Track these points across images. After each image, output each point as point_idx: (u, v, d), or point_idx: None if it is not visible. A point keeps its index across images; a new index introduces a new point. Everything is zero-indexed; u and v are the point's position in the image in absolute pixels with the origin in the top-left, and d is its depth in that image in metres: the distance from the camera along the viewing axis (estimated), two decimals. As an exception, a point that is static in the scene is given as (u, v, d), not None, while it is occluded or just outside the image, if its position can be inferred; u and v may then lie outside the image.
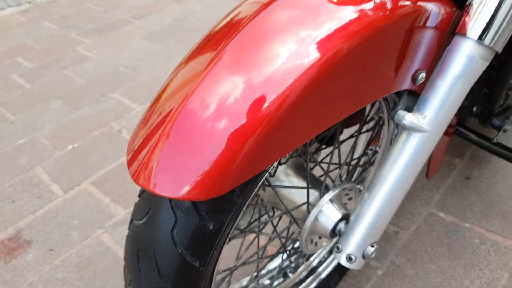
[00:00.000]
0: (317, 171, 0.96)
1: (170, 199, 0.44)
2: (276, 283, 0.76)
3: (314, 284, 0.79)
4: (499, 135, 0.96)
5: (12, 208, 1.18)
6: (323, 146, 0.74)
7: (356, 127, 0.75)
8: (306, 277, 0.79)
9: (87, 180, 1.22)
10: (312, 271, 0.80)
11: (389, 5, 0.47)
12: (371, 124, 0.76)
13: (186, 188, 0.38)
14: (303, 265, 0.80)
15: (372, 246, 0.60)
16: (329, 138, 0.75)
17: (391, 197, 0.58)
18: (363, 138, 0.81)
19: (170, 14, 2.30)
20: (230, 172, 0.38)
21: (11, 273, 0.98)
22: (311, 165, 0.78)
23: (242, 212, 0.47)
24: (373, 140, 0.77)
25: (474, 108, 0.95)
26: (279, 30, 0.44)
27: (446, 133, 0.78)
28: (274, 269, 0.78)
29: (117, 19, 2.34)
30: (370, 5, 0.46)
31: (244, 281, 0.75)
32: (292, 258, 0.80)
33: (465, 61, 0.52)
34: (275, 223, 0.75)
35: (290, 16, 0.45)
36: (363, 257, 0.60)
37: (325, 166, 1.03)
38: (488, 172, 1.07)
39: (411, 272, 0.87)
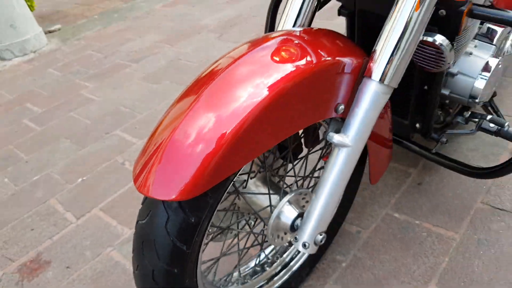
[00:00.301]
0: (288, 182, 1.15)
1: (163, 202, 0.63)
2: (255, 275, 0.94)
3: (287, 275, 0.97)
4: (438, 146, 1.16)
5: (32, 235, 1.36)
6: (285, 163, 0.94)
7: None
8: (280, 270, 0.97)
9: (97, 207, 1.41)
10: (286, 265, 0.98)
11: (315, 60, 0.68)
12: (322, 144, 0.96)
13: (173, 193, 0.57)
14: (278, 260, 0.98)
15: (321, 235, 0.79)
16: (292, 156, 0.95)
17: (331, 197, 0.77)
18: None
19: (164, 57, 2.55)
20: (202, 180, 0.58)
21: (36, 288, 1.16)
22: (277, 178, 0.97)
23: (216, 210, 0.66)
24: (326, 156, 0.97)
25: (417, 125, 1.15)
26: (241, 79, 0.64)
27: (385, 146, 0.97)
28: (254, 264, 0.96)
29: (116, 64, 2.59)
30: (303, 61, 0.67)
31: (230, 273, 0.93)
32: (269, 255, 0.98)
33: (371, 97, 0.72)
34: (252, 226, 0.93)
35: (249, 69, 0.66)
36: (315, 243, 0.79)
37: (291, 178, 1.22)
38: (436, 178, 1.26)
39: (370, 262, 1.05)
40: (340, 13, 1.03)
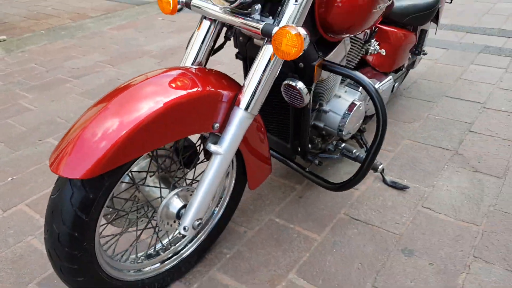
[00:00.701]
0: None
1: (70, 180, 0.86)
2: (150, 258, 1.17)
3: (177, 261, 1.20)
4: (311, 166, 1.48)
5: (-44, 226, 1.48)
6: (180, 167, 1.19)
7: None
8: (172, 256, 1.20)
9: (23, 203, 1.57)
10: (177, 253, 1.22)
11: (200, 89, 0.95)
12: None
13: (78, 173, 0.80)
14: (171, 248, 1.22)
15: (198, 221, 1.04)
16: (188, 163, 1.20)
17: (207, 191, 1.03)
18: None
19: (104, 76, 2.75)
20: (99, 165, 0.81)
21: (-45, 269, 1.29)
22: (174, 179, 1.21)
23: (112, 192, 0.90)
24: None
25: (299, 149, 1.46)
26: (142, 95, 0.90)
27: (261, 159, 1.25)
28: (151, 249, 1.19)
29: (57, 78, 2.74)
30: (191, 89, 0.94)
31: (126, 253, 1.14)
32: (164, 244, 1.21)
33: (238, 120, 1.01)
34: (150, 215, 1.16)
35: (150, 89, 0.92)
36: (193, 227, 1.04)
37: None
38: (314, 193, 1.57)
39: (248, 255, 1.31)
40: (236, 57, 1.33)
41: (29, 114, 2.28)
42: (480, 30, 3.31)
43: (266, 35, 0.95)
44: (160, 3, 1.10)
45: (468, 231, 1.36)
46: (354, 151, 1.45)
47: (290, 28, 0.88)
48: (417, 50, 1.91)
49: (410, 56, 1.95)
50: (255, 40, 1.23)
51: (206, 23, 1.12)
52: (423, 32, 1.87)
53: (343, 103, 1.43)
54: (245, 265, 1.28)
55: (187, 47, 1.18)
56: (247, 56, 1.28)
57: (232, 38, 1.23)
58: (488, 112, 2.07)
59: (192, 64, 1.13)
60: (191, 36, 1.16)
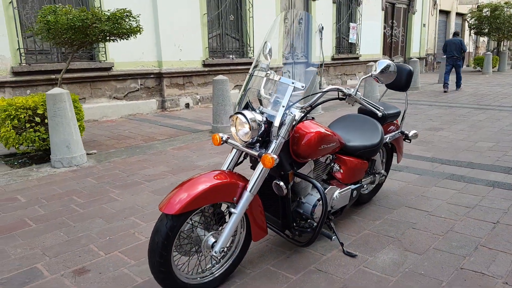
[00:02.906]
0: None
1: (166, 215, 1.87)
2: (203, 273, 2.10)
3: (212, 277, 2.11)
4: (295, 236, 2.40)
5: None
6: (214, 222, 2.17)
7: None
8: (209, 275, 2.12)
9: (117, 250, 2.56)
10: (212, 273, 2.13)
11: (228, 180, 2.01)
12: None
13: (172, 211, 1.83)
14: (209, 269, 2.14)
15: (222, 249, 1.98)
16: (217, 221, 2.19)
17: (228, 233, 2.00)
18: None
19: (167, 181, 3.90)
20: (181, 208, 1.83)
21: None
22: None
23: (181, 226, 1.90)
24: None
25: (286, 231, 2.41)
26: (202, 180, 1.96)
27: (260, 222, 2.20)
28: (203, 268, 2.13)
29: (135, 181, 3.93)
30: (224, 178, 2.00)
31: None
32: (207, 266, 2.15)
33: (246, 197, 2.02)
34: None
35: (207, 177, 1.99)
36: (220, 252, 1.98)
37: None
38: (299, 252, 2.45)
39: (251, 282, 2.18)
40: (251, 167, 2.40)
41: (116, 203, 3.39)
42: (453, 163, 4.28)
43: (259, 157, 2.03)
44: (213, 140, 2.23)
45: (386, 280, 2.17)
46: (319, 229, 2.38)
47: (269, 155, 1.95)
48: (371, 172, 2.92)
49: (372, 176, 2.96)
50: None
51: (234, 150, 2.23)
52: (373, 161, 2.91)
53: (313, 199, 2.42)
54: (250, 285, 2.15)
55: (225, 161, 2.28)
56: (256, 166, 2.37)
57: (247, 157, 2.32)
58: (431, 218, 2.94)
59: (226, 168, 2.21)
60: (227, 156, 2.26)
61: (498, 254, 2.39)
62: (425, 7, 16.14)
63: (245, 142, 2.07)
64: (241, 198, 2.03)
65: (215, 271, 2.15)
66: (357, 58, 12.91)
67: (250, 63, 9.60)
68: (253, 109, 2.16)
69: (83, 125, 5.05)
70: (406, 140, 3.26)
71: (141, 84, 7.76)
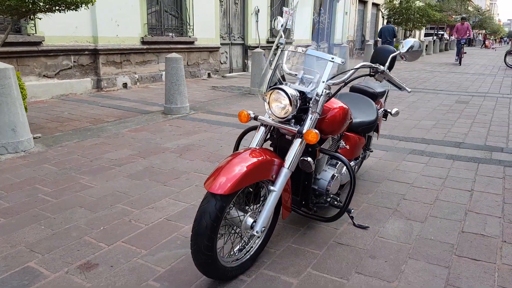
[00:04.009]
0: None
1: (214, 194, 1.75)
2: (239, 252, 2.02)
3: (249, 255, 2.04)
4: (313, 211, 2.41)
5: None
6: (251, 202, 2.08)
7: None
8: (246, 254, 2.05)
9: (120, 240, 2.33)
10: (248, 250, 2.06)
11: (264, 157, 1.93)
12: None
13: (220, 191, 1.71)
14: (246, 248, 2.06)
15: (263, 228, 1.92)
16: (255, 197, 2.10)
17: (268, 211, 1.93)
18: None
19: (140, 165, 3.64)
20: (230, 188, 1.72)
21: None
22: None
23: (228, 207, 1.79)
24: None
25: (303, 202, 2.40)
26: (246, 157, 1.86)
27: (287, 199, 2.17)
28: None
29: (102, 166, 3.60)
30: (260, 157, 1.91)
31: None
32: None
33: (284, 174, 1.97)
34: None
35: (247, 155, 1.89)
36: (261, 231, 1.91)
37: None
38: (314, 229, 2.47)
39: (275, 259, 2.15)
40: (270, 145, 2.34)
41: (92, 190, 3.08)
42: (409, 139, 4.63)
43: (299, 133, 1.98)
44: (239, 117, 2.13)
45: (405, 247, 2.30)
46: (335, 202, 2.42)
47: (313, 130, 1.91)
48: (367, 148, 3.03)
49: (363, 152, 3.07)
50: (286, 136, 2.24)
51: (262, 128, 2.14)
52: (369, 137, 3.02)
53: (328, 174, 2.44)
54: (280, 263, 2.12)
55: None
56: (277, 145, 2.30)
57: (269, 135, 2.25)
58: (415, 189, 3.16)
59: (256, 146, 2.12)
60: (255, 134, 2.16)
61: (486, 217, 2.67)
62: (347, -5, 16.99)
63: (283, 118, 2.00)
64: (278, 175, 1.97)
65: (247, 252, 2.08)
66: (291, 43, 13.17)
67: (191, 42, 9.27)
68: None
69: (25, 105, 4.46)
70: (382, 118, 3.44)
71: (74, 61, 7.05)
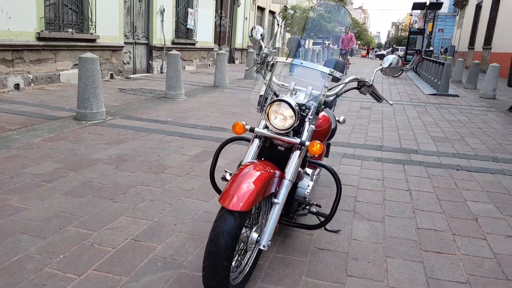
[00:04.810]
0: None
1: (231, 211, 1.65)
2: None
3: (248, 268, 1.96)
4: (294, 219, 2.43)
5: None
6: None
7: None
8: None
9: (91, 268, 2.04)
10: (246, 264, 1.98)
11: (268, 171, 1.88)
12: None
13: (237, 207, 1.62)
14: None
15: (269, 242, 1.87)
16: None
17: (272, 225, 1.89)
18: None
19: (75, 180, 3.23)
20: (245, 205, 1.65)
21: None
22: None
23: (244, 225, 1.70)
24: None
25: (283, 212, 2.41)
26: (251, 173, 1.79)
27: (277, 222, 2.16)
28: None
29: (28, 183, 3.09)
30: (264, 170, 1.86)
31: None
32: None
33: (285, 184, 1.96)
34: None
35: (251, 170, 1.81)
36: (267, 246, 1.86)
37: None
38: (292, 237, 2.49)
39: (271, 271, 2.12)
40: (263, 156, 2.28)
41: (28, 212, 2.63)
42: (336, 143, 4.95)
43: (302, 144, 1.98)
44: (234, 128, 2.04)
45: (378, 247, 2.47)
46: (315, 210, 2.48)
47: (317, 142, 1.93)
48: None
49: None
50: (278, 147, 2.20)
51: (256, 140, 2.09)
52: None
53: (305, 183, 2.48)
54: (274, 275, 2.09)
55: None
56: (264, 155, 2.26)
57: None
58: (348, 191, 3.39)
59: (252, 159, 2.05)
60: (249, 148, 2.09)
61: (431, 214, 3.01)
62: (247, 1, 17.41)
63: (285, 130, 1.98)
64: (280, 187, 1.95)
65: (246, 267, 2.00)
66: (194, 44, 12.99)
67: (93, 40, 8.58)
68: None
69: None
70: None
71: (-47, 58, 5.92)
